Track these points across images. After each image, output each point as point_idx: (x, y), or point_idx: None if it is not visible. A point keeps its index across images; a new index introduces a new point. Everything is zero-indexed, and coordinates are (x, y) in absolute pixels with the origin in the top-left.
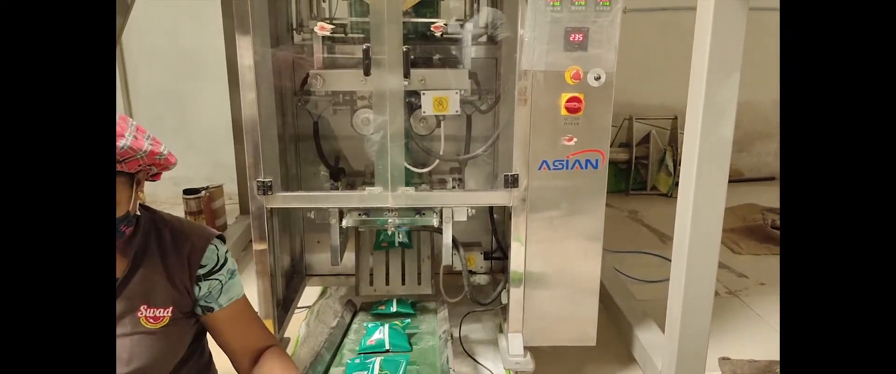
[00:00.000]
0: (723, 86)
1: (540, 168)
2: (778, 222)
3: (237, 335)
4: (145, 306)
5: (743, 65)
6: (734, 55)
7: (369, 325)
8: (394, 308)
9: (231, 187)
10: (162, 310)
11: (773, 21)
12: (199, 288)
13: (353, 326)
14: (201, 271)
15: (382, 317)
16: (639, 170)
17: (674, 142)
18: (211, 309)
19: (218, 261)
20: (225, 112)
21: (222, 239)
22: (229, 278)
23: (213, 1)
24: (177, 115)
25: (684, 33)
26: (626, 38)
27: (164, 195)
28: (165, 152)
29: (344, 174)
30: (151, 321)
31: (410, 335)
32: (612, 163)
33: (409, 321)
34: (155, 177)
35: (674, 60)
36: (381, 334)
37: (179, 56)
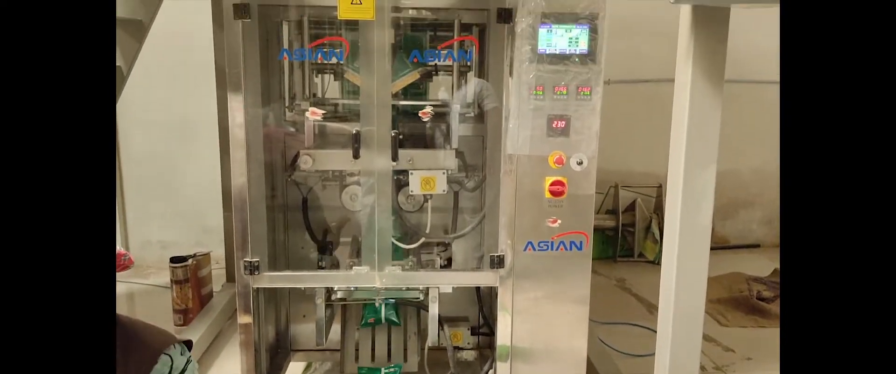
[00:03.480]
0: (700, 176)
1: (525, 249)
2: (763, 294)
3: None
4: None
5: (724, 136)
6: (710, 147)
7: None
8: None
9: (219, 252)
10: None
11: (751, 92)
12: None
13: None
14: None
15: None
16: (625, 237)
17: (659, 210)
18: None
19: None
20: (215, 176)
21: (189, 345)
22: None
23: (207, 71)
24: (166, 179)
25: (666, 103)
26: (612, 108)
27: (151, 259)
28: None
29: (331, 247)
30: None
31: None
32: (600, 230)
33: None
34: None
35: (657, 130)
36: None
37: (172, 122)
